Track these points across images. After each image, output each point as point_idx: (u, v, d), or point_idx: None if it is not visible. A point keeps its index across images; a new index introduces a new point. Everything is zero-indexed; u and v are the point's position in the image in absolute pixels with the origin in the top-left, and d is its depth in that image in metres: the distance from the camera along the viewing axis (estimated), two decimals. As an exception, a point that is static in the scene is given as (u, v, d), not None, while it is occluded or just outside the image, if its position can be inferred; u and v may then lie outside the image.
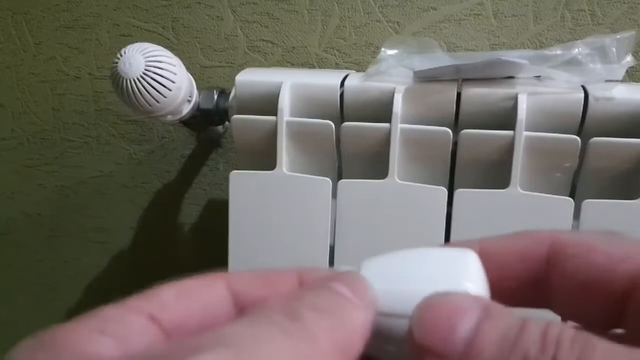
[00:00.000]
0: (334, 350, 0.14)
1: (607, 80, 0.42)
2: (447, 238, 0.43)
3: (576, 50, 0.42)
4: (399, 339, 0.15)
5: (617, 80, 0.42)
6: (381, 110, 0.44)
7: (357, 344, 0.15)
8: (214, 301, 0.16)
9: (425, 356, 0.14)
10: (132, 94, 0.44)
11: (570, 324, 0.15)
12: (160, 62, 0.44)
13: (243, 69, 0.49)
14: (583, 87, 0.42)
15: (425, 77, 0.43)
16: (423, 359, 0.14)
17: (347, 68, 0.56)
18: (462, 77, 0.43)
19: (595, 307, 0.16)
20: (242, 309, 0.17)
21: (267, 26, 0.57)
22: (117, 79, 0.44)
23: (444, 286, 0.15)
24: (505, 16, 0.53)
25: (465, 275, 0.16)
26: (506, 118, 0.42)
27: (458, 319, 0.14)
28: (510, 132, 0.41)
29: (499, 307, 0.15)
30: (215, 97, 0.52)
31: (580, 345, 0.13)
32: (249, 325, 0.13)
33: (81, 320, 0.15)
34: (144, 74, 0.43)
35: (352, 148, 0.45)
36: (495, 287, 0.17)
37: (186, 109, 0.49)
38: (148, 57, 0.44)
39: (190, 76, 0.49)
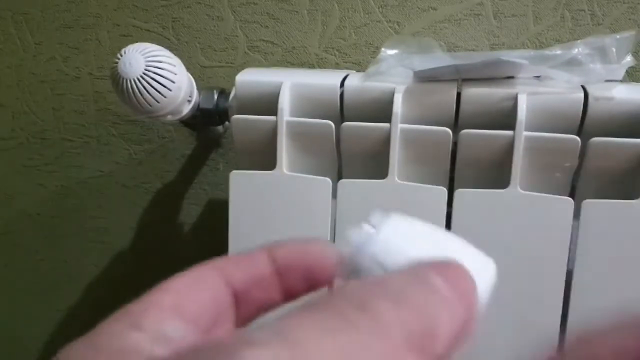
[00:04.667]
0: (409, 346, 0.12)
1: (607, 80, 0.42)
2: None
3: (576, 50, 0.42)
4: None
5: (617, 80, 0.42)
6: (381, 110, 0.44)
7: (441, 345, 0.13)
8: (217, 290, 0.17)
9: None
10: (132, 94, 0.44)
11: None
12: (160, 62, 0.44)
13: (243, 69, 0.49)
14: (583, 87, 0.42)
15: (425, 77, 0.43)
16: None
17: (347, 68, 0.56)
18: (462, 77, 0.43)
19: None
20: (234, 291, 0.17)
21: (267, 26, 0.57)
22: (117, 79, 0.44)
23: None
24: (505, 16, 0.53)
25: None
26: (506, 118, 0.42)
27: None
28: (510, 132, 0.41)
29: None
30: (215, 97, 0.52)
31: None
32: (310, 315, 0.12)
33: (113, 318, 0.15)
34: (144, 74, 0.43)
35: (352, 148, 0.45)
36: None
37: (186, 109, 0.49)
38: (148, 57, 0.44)
39: (190, 76, 0.49)
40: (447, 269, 0.14)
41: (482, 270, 0.16)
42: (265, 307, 0.18)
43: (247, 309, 0.18)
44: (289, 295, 0.18)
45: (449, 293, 0.14)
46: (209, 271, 0.17)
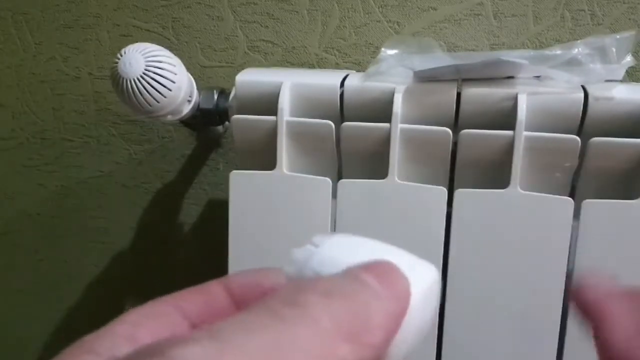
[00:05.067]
0: (340, 335, 0.13)
1: (607, 80, 0.42)
2: (447, 238, 0.43)
3: (576, 50, 0.42)
4: None
5: (617, 80, 0.42)
6: (381, 110, 0.44)
7: (375, 335, 0.14)
8: (166, 324, 0.16)
9: None
10: (132, 94, 0.44)
11: None
12: (160, 62, 0.44)
13: (243, 69, 0.49)
14: (583, 87, 0.42)
15: (425, 77, 0.43)
16: None
17: (347, 68, 0.56)
18: (462, 77, 0.43)
19: None
20: (192, 324, 0.17)
21: (267, 26, 0.57)
22: (117, 79, 0.44)
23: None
24: (505, 16, 0.53)
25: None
26: (506, 118, 0.42)
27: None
28: (510, 132, 0.41)
29: None
30: (215, 97, 0.52)
31: None
32: (242, 317, 0.13)
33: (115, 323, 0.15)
34: (144, 74, 0.43)
35: (352, 148, 0.45)
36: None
37: (186, 109, 0.49)
38: (148, 57, 0.44)
39: (190, 76, 0.49)
40: (377, 267, 0.15)
41: (420, 274, 0.16)
42: None
43: None
44: None
45: (379, 287, 0.14)
46: (165, 305, 0.17)
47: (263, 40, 0.57)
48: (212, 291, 0.18)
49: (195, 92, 0.50)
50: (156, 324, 0.16)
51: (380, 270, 0.15)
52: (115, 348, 0.15)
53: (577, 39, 0.43)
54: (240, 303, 0.17)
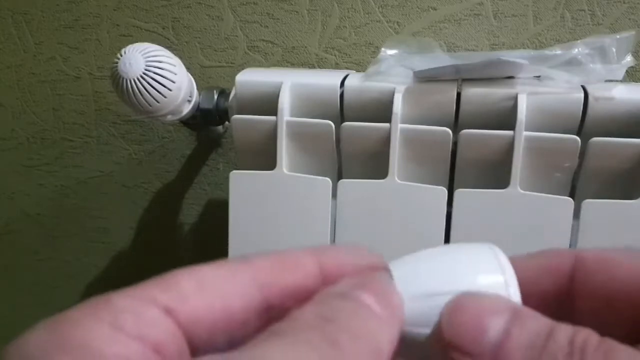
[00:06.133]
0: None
1: (607, 80, 0.42)
2: (447, 238, 0.43)
3: (576, 50, 0.42)
4: (425, 344, 0.16)
5: (617, 80, 0.42)
6: (381, 110, 0.44)
7: (387, 358, 0.15)
8: (236, 293, 0.15)
9: (454, 354, 0.15)
10: (132, 94, 0.44)
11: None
12: (160, 62, 0.44)
13: (243, 69, 0.49)
14: (583, 87, 0.42)
15: (425, 77, 0.43)
16: (451, 357, 0.15)
17: (347, 68, 0.56)
18: (462, 77, 0.43)
19: (619, 322, 0.17)
20: (266, 300, 0.15)
21: (267, 26, 0.57)
22: (117, 79, 0.44)
23: (477, 283, 0.16)
24: (505, 16, 0.53)
25: (497, 267, 0.16)
26: (506, 118, 0.42)
27: (489, 320, 0.14)
28: (510, 132, 0.41)
29: (528, 311, 0.15)
30: (215, 97, 0.52)
31: (605, 350, 0.13)
32: (283, 346, 0.13)
33: (89, 310, 0.13)
34: (144, 74, 0.43)
35: (352, 148, 0.45)
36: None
37: (186, 109, 0.49)
38: (148, 57, 0.44)
39: (190, 76, 0.49)
40: (376, 286, 0.16)
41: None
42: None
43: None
44: None
45: (379, 309, 0.15)
46: (237, 270, 0.15)
47: (263, 40, 0.57)
48: (301, 264, 0.16)
49: (195, 92, 0.50)
50: (224, 298, 0.14)
51: (378, 290, 0.16)
52: (146, 328, 0.13)
53: (577, 39, 0.43)
54: (330, 280, 0.16)
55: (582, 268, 0.17)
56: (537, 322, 0.15)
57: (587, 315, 0.17)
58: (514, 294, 0.16)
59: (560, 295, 0.18)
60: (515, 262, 0.18)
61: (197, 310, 0.14)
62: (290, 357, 0.12)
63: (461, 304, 0.15)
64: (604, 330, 0.17)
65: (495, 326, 0.14)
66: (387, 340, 0.15)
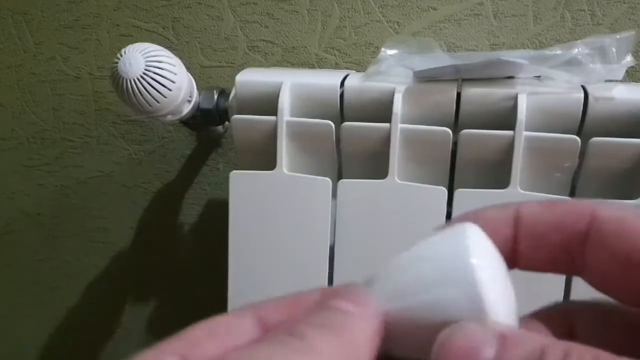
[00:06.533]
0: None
1: (607, 80, 0.42)
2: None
3: (576, 50, 0.42)
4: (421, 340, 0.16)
5: (617, 80, 0.42)
6: (381, 110, 0.44)
7: (365, 352, 0.15)
8: (243, 332, 0.16)
9: None
10: (132, 94, 0.44)
11: (592, 349, 0.15)
12: (160, 62, 0.44)
13: (243, 69, 0.49)
14: (583, 87, 0.42)
15: (425, 77, 0.43)
16: None
17: (347, 68, 0.56)
18: (462, 77, 0.43)
19: (631, 283, 0.16)
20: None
21: (267, 26, 0.57)
22: (117, 79, 0.44)
23: (453, 289, 0.16)
24: (505, 16, 0.53)
25: (470, 253, 0.16)
26: (506, 118, 0.42)
27: (477, 355, 0.15)
28: (510, 132, 0.41)
29: (515, 335, 0.15)
30: (215, 97, 0.52)
31: None
32: (257, 349, 0.14)
33: None
34: (144, 74, 0.43)
35: (352, 148, 0.45)
36: (527, 254, 0.18)
37: (186, 109, 0.49)
38: (148, 57, 0.44)
39: (190, 76, 0.49)
40: (345, 291, 0.17)
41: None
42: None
43: None
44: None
45: (351, 307, 0.16)
46: (244, 313, 0.17)
47: (263, 40, 0.57)
48: (305, 300, 0.17)
49: (195, 92, 0.51)
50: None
51: (348, 293, 0.17)
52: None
53: (577, 39, 0.43)
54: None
55: (598, 229, 0.17)
56: (526, 346, 0.15)
57: (598, 273, 0.17)
58: (490, 301, 0.15)
59: (572, 249, 0.17)
60: (527, 214, 0.18)
61: (208, 352, 0.15)
62: (261, 355, 0.14)
63: (446, 342, 0.15)
64: (614, 290, 0.17)
65: (486, 357, 0.15)
66: (362, 335, 0.15)
